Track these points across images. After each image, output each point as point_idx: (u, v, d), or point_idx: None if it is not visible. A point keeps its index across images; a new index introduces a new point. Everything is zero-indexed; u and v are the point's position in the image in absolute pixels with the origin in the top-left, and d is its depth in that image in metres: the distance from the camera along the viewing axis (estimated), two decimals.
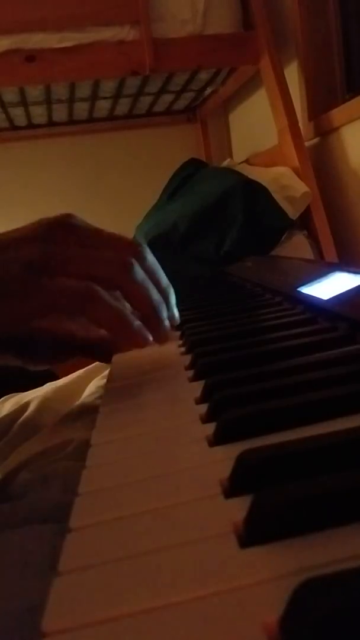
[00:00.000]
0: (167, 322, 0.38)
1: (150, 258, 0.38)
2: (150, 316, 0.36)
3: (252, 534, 0.17)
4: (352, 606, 0.13)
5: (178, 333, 0.47)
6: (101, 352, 0.44)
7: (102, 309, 0.34)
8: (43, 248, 0.34)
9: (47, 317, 0.36)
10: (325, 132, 1.73)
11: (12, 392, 0.58)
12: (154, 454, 0.25)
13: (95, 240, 0.36)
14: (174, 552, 0.17)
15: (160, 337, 0.37)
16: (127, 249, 0.36)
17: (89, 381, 0.55)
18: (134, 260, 0.36)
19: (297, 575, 0.14)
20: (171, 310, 0.39)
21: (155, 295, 0.37)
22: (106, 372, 0.47)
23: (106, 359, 0.44)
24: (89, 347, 0.43)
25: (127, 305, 0.37)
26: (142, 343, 0.36)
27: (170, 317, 0.39)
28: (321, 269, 0.63)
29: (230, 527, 0.18)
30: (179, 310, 0.41)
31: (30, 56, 1.61)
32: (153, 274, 0.37)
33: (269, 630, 0.13)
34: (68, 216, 0.37)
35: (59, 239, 0.35)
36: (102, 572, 0.17)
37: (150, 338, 0.36)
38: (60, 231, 0.35)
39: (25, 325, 0.35)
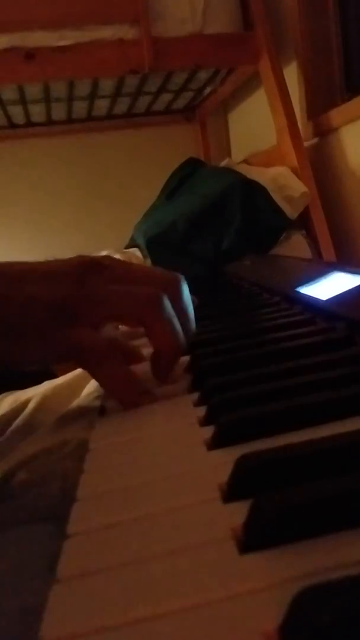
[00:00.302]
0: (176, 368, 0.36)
1: (186, 294, 0.36)
2: (166, 357, 0.35)
3: (251, 540, 0.17)
4: (352, 614, 0.13)
5: None
6: None
7: (109, 375, 0.33)
8: (70, 291, 0.33)
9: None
10: (324, 132, 1.72)
11: (10, 391, 0.57)
12: (152, 458, 0.24)
13: (127, 277, 0.35)
14: (172, 558, 0.17)
15: (166, 379, 0.35)
16: (160, 283, 0.35)
17: (88, 380, 0.55)
18: (163, 296, 0.34)
19: (297, 582, 0.14)
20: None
21: (180, 337, 0.35)
22: None
23: None
24: None
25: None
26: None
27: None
28: (319, 268, 0.63)
29: (229, 532, 0.18)
30: None
31: (29, 54, 1.61)
32: (183, 311, 0.36)
33: (268, 638, 0.13)
34: (104, 258, 0.36)
35: (89, 281, 0.34)
36: (101, 579, 0.17)
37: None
38: (91, 273, 0.34)
39: (34, 366, 0.34)
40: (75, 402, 0.49)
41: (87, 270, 0.34)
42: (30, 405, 0.52)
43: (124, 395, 0.33)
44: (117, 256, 1.94)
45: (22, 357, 0.33)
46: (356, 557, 0.15)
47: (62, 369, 0.61)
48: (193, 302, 0.40)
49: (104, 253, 1.79)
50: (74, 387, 0.55)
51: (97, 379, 0.33)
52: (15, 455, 0.42)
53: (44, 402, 0.52)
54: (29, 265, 0.35)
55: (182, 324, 0.35)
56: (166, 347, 0.34)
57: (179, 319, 0.35)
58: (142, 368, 0.36)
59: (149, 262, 1.66)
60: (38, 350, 0.32)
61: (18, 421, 0.50)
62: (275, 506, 0.17)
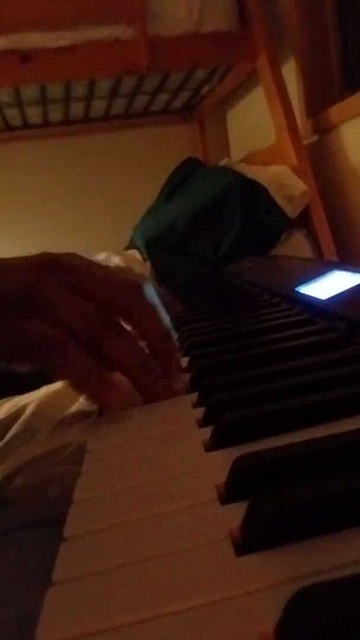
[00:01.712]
0: (158, 380, 0.34)
1: (147, 297, 0.35)
2: (133, 371, 0.33)
3: (248, 541, 0.17)
4: (349, 614, 0.13)
5: (176, 335, 0.47)
6: None
7: (70, 364, 0.31)
8: (26, 285, 0.33)
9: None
10: (323, 130, 1.72)
11: (8, 396, 0.57)
12: (149, 460, 0.24)
13: (85, 284, 0.34)
14: (169, 560, 0.17)
15: (151, 395, 0.33)
16: (116, 293, 0.34)
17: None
18: (116, 318, 0.33)
19: (294, 583, 0.14)
20: (171, 357, 0.36)
21: (140, 354, 0.33)
22: None
23: None
24: None
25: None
26: (113, 403, 0.32)
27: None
28: (320, 268, 0.63)
29: (226, 534, 0.18)
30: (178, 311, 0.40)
31: (25, 56, 1.61)
32: (146, 314, 0.35)
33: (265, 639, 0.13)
34: (69, 255, 0.35)
35: (47, 278, 0.33)
36: (97, 582, 0.16)
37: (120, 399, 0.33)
38: (51, 270, 0.34)
39: None
40: (74, 407, 0.49)
41: (47, 268, 0.34)
42: (29, 410, 0.52)
43: (90, 388, 0.32)
44: (116, 258, 1.91)
45: None
46: (352, 558, 0.15)
47: None
48: (165, 296, 0.39)
49: (102, 255, 1.80)
50: (72, 392, 0.54)
51: (59, 373, 0.32)
52: (14, 460, 0.42)
53: (42, 407, 0.52)
54: None
55: (149, 328, 0.34)
56: (128, 369, 0.33)
57: (145, 323, 0.34)
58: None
59: (148, 264, 1.66)
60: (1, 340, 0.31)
61: (16, 426, 0.50)
62: (272, 508, 0.17)
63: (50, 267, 0.34)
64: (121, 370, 0.33)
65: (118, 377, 0.34)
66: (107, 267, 0.37)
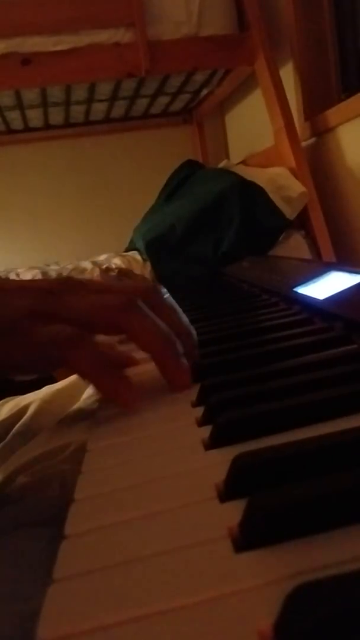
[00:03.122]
0: (184, 361, 0.34)
1: (167, 297, 0.36)
2: (159, 355, 0.33)
3: (247, 538, 0.17)
4: (347, 611, 0.13)
5: None
6: None
7: (83, 355, 0.31)
8: (45, 298, 0.33)
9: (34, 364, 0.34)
10: (321, 132, 1.73)
11: (10, 396, 0.58)
12: (149, 458, 0.25)
13: (103, 288, 0.35)
14: (169, 558, 0.17)
15: (176, 378, 0.33)
16: (135, 290, 0.34)
17: (87, 384, 0.55)
18: (138, 300, 0.33)
19: (292, 580, 0.14)
20: (193, 350, 0.36)
21: (165, 329, 0.33)
22: None
23: None
24: None
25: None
26: (128, 398, 0.32)
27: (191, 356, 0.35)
28: (318, 268, 0.63)
29: (226, 531, 0.18)
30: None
31: (26, 59, 1.61)
32: (169, 314, 0.35)
33: (263, 636, 0.13)
34: (82, 278, 0.37)
35: (66, 291, 0.34)
36: (98, 579, 0.17)
37: (130, 395, 0.32)
38: (70, 285, 0.35)
39: (11, 371, 0.34)
40: (75, 406, 0.50)
41: (63, 284, 0.35)
42: (30, 410, 0.52)
43: (107, 382, 0.32)
44: (116, 259, 1.92)
45: (4, 357, 0.33)
46: (350, 555, 0.15)
47: (61, 374, 0.61)
48: None
49: (103, 256, 1.80)
50: (74, 392, 0.55)
51: (72, 366, 0.32)
52: (16, 459, 0.43)
53: (44, 407, 0.52)
54: (10, 280, 0.36)
55: (172, 322, 0.35)
56: (153, 345, 0.33)
57: (168, 317, 0.34)
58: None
59: (148, 265, 1.66)
60: (19, 349, 0.32)
61: (18, 426, 0.50)
62: (270, 505, 0.17)
63: (66, 284, 0.35)
64: (148, 350, 0.33)
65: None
66: (121, 282, 0.38)
